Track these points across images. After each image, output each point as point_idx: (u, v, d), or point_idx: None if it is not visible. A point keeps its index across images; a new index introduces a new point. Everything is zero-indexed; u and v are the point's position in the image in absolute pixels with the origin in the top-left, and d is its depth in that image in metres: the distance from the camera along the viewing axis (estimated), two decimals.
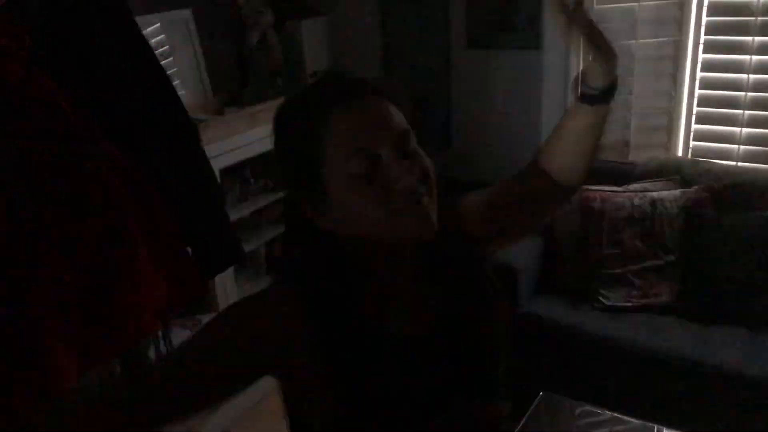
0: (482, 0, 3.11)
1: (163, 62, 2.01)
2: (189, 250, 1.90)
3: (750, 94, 2.76)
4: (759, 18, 2.67)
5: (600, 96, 1.00)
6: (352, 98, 0.88)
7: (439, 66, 3.33)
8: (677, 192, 2.56)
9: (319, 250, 0.94)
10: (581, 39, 1.10)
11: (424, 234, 0.88)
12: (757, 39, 2.70)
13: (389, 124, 0.88)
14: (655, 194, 2.56)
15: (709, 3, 2.77)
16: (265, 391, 2.83)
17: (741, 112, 2.80)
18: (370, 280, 0.93)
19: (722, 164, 2.76)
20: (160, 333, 2.17)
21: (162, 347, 2.20)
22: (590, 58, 0.99)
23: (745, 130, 2.81)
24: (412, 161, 0.88)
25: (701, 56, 2.85)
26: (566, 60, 3.00)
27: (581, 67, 1.01)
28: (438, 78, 3.35)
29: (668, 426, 2.17)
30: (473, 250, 1.04)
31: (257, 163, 2.95)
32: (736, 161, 2.83)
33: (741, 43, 2.74)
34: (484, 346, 0.98)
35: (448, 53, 3.30)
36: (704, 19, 2.80)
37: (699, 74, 2.87)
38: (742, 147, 2.83)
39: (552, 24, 2.97)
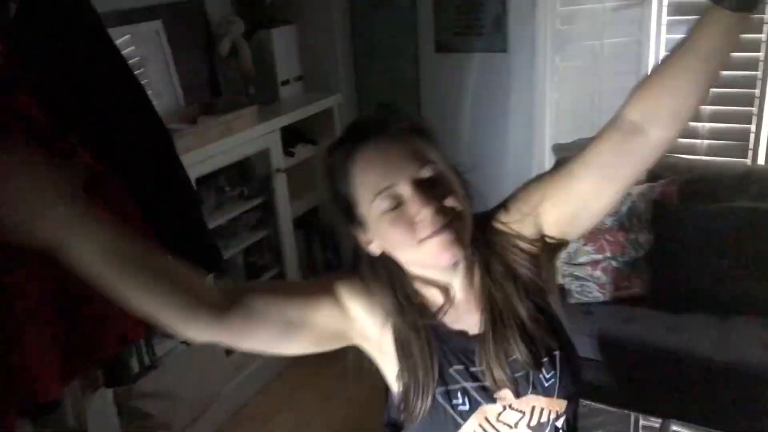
0: (449, 5, 3.17)
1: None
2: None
3: (711, 89, 2.84)
4: None
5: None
6: (370, 143, 0.97)
7: (408, 70, 3.38)
8: (644, 186, 2.62)
9: (377, 266, 1.06)
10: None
11: (450, 259, 0.96)
12: None
13: (406, 161, 0.96)
14: None
15: (669, 3, 2.85)
16: (248, 397, 2.85)
17: (703, 107, 2.87)
18: (427, 289, 1.05)
19: (687, 158, 2.84)
20: (142, 342, 2.17)
21: (145, 356, 2.20)
22: None
23: (708, 125, 2.89)
24: (434, 191, 0.95)
25: (663, 54, 2.92)
26: (532, 62, 3.06)
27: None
28: (407, 82, 3.39)
29: (644, 414, 2.23)
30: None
31: (232, 171, 2.96)
32: (700, 155, 2.91)
33: None
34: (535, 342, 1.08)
35: (416, 58, 3.34)
36: (665, 18, 2.88)
37: None
38: (705, 141, 2.91)
39: (517, 27, 3.03)
